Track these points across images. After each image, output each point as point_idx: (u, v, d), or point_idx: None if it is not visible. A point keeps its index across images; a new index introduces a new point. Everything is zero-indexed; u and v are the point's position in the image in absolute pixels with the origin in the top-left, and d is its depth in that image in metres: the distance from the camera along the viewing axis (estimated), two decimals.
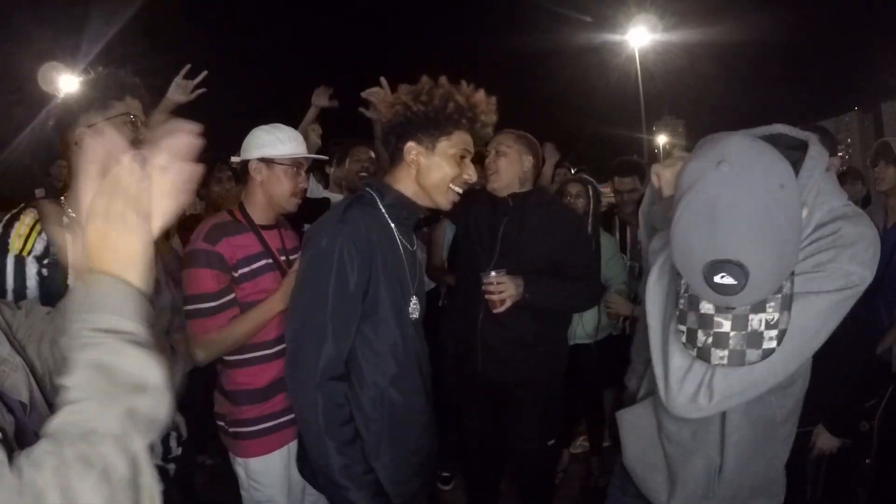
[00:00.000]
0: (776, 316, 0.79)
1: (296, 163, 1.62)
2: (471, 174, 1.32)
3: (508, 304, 1.81)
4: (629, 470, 1.22)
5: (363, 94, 2.07)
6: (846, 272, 0.87)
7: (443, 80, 1.29)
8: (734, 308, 0.79)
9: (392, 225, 1.30)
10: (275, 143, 1.61)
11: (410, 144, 1.28)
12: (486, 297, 1.83)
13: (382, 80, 2.04)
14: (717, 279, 0.74)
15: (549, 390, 2.08)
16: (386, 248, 1.25)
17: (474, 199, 2.12)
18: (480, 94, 1.29)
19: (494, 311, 1.83)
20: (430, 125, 1.26)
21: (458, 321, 2.13)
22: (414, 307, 1.33)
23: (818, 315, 0.87)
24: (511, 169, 2.00)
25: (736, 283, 0.73)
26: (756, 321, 0.79)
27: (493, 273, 1.82)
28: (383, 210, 1.29)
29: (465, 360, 2.08)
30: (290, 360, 1.22)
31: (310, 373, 1.17)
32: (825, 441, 1.75)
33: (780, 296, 0.78)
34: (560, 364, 2.13)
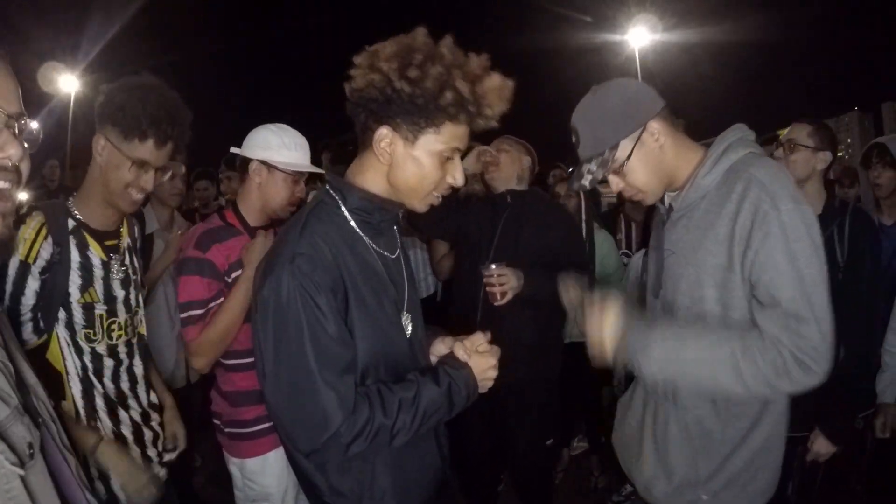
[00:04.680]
0: None
1: (296, 172, 1.61)
2: (457, 177, 1.01)
3: (510, 296, 1.81)
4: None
5: None
6: None
7: (445, 45, 0.93)
8: None
9: (360, 233, 1.01)
10: (280, 147, 1.57)
11: (384, 131, 0.95)
12: (488, 289, 1.82)
13: None
14: None
15: (546, 390, 2.09)
16: (353, 264, 0.97)
17: (470, 201, 2.17)
18: (493, 81, 0.94)
19: (495, 303, 1.82)
20: (414, 111, 0.92)
21: (455, 322, 2.13)
22: (406, 324, 1.07)
23: None
24: (512, 165, 2.10)
25: None
26: None
27: (493, 266, 1.80)
28: (347, 215, 1.00)
29: None
30: (299, 431, 0.93)
31: (323, 433, 0.90)
32: (822, 446, 1.63)
33: None
34: (556, 364, 2.14)
